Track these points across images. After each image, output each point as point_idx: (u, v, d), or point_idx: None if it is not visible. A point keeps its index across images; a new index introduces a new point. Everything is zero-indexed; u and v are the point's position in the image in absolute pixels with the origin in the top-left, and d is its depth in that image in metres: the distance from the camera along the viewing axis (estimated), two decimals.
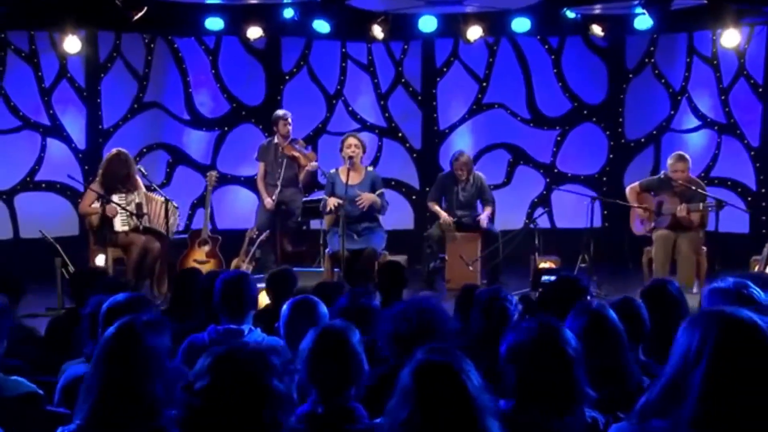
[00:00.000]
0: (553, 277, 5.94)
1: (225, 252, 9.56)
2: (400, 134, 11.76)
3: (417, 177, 11.69)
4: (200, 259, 9.35)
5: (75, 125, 10.79)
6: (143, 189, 9.08)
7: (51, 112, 10.63)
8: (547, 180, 11.58)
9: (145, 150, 11.14)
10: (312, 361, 3.14)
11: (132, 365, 2.80)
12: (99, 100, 10.90)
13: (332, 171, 9.12)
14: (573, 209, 10.21)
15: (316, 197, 10.01)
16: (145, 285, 8.92)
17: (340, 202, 8.62)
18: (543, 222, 11.30)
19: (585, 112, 11.59)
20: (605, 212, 11.10)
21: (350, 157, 8.78)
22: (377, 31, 10.72)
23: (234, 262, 9.43)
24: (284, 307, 4.13)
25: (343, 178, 8.67)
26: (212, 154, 11.42)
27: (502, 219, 10.99)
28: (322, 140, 11.49)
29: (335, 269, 8.62)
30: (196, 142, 11.42)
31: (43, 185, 10.57)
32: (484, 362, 2.88)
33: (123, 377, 2.79)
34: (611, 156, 11.57)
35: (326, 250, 8.89)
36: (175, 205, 9.15)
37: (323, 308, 4.15)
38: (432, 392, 2.48)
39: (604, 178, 11.54)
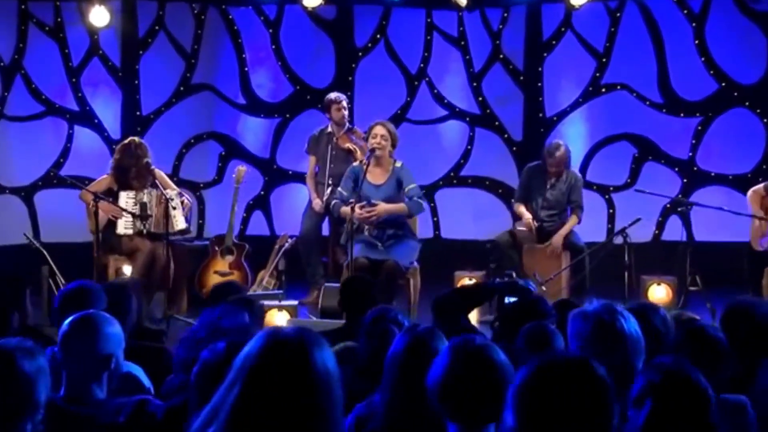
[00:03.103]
0: (514, 299, 5.37)
1: None
2: (496, 123, 10.94)
3: (517, 175, 10.70)
4: (222, 270, 9.08)
5: (108, 111, 10.66)
6: (169, 185, 8.78)
7: (80, 95, 10.52)
8: (684, 180, 10.52)
9: (192, 141, 11.01)
10: None
11: None
12: (137, 82, 10.76)
13: (356, 164, 8.53)
14: (719, 218, 9.29)
15: None
16: (153, 300, 8.51)
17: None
18: (674, 233, 10.36)
19: (735, 94, 10.53)
20: None
21: (372, 150, 8.17)
22: None
23: (260, 275, 9.04)
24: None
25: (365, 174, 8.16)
26: (271, 146, 11.09)
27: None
28: (401, 130, 10.55)
29: None
30: (253, 131, 11.13)
31: (69, 181, 10.22)
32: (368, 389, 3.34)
33: None
34: None
35: (343, 262, 8.28)
36: (186, 200, 8.78)
37: (112, 328, 3.75)
38: None
39: (760, 179, 10.21)
